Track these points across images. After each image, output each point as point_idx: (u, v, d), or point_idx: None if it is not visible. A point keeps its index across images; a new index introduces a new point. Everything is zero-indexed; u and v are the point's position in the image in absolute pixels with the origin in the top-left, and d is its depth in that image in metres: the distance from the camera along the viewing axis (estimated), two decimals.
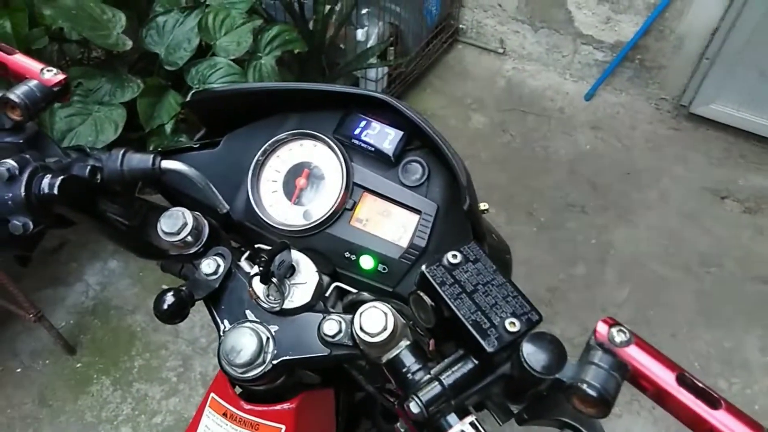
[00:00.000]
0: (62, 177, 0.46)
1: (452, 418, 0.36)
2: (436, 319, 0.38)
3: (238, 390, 0.61)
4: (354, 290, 0.60)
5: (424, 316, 0.38)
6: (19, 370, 1.80)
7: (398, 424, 0.37)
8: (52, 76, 0.48)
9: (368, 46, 2.21)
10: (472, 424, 0.36)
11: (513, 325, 0.35)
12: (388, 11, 2.33)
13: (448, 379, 0.37)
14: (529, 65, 2.87)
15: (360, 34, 2.22)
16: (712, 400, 0.36)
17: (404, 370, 0.40)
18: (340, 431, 0.77)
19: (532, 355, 0.33)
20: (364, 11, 2.22)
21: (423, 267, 0.36)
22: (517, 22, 2.78)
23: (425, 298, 0.37)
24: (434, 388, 0.36)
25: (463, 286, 0.37)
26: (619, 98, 2.71)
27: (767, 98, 2.34)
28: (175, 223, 0.55)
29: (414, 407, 0.35)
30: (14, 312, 1.64)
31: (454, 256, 0.37)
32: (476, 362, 0.37)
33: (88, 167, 0.51)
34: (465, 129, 2.57)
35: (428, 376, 0.37)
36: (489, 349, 0.34)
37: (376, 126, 0.62)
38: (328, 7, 2.05)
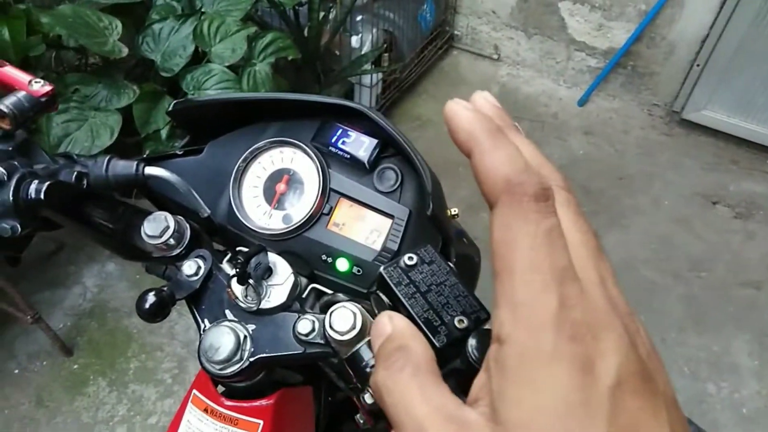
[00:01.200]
0: (48, 183, 0.49)
1: None
2: None
3: (221, 388, 0.63)
4: (330, 291, 0.63)
5: None
6: (16, 371, 1.83)
7: (357, 416, 0.40)
8: (40, 87, 0.51)
9: (363, 52, 2.24)
10: None
11: (461, 322, 0.37)
12: (383, 18, 2.36)
13: None
14: (524, 71, 2.91)
15: (354, 40, 2.25)
16: None
17: (362, 364, 0.43)
18: (321, 429, 0.80)
19: (477, 349, 0.36)
20: (358, 18, 2.25)
21: (381, 268, 0.39)
22: (511, 28, 2.82)
23: (383, 297, 0.40)
24: None
25: (418, 287, 0.39)
26: (612, 104, 2.74)
27: (757, 104, 2.37)
28: (158, 226, 0.57)
29: (369, 398, 0.38)
30: (12, 314, 1.67)
31: (410, 258, 0.40)
32: None
33: (75, 173, 0.53)
34: None
35: None
36: (438, 345, 0.37)
37: (352, 134, 0.65)
38: (322, 14, 2.08)
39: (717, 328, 1.95)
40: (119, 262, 2.07)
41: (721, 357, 1.88)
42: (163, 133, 1.67)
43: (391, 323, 0.29)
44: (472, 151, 0.26)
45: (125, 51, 1.59)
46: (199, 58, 1.76)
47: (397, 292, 0.39)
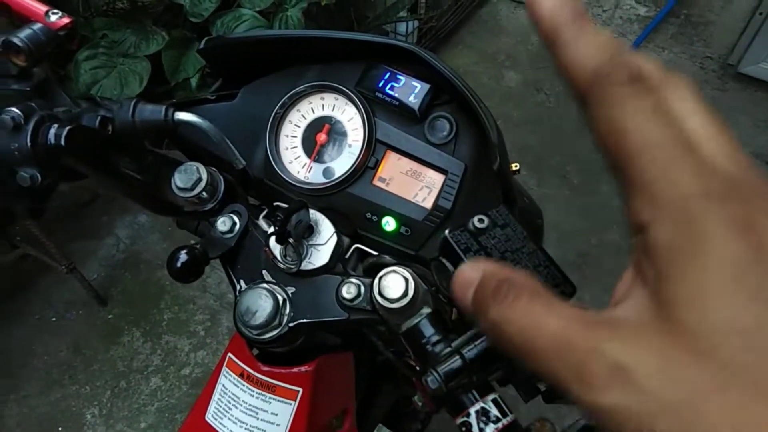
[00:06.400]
0: (69, 127, 0.44)
1: (473, 394, 0.34)
2: None
3: (256, 351, 0.60)
4: (375, 252, 0.58)
5: (447, 284, 0.35)
6: (54, 319, 1.85)
7: (416, 397, 0.35)
8: (58, 18, 0.45)
9: None
10: (494, 401, 0.34)
11: None
12: None
13: (470, 353, 0.34)
14: None
15: None
16: None
17: (423, 341, 0.37)
18: (360, 395, 0.76)
19: None
20: None
21: (446, 232, 0.33)
22: None
23: (448, 265, 0.34)
24: (455, 362, 0.33)
25: (490, 254, 0.33)
26: (661, 56, 2.58)
27: None
28: (189, 178, 0.53)
29: (432, 382, 0.33)
30: (48, 263, 1.68)
31: (481, 220, 0.34)
32: None
33: (98, 117, 0.48)
34: (497, 87, 2.48)
35: (449, 349, 0.35)
36: None
37: (402, 78, 0.58)
38: None
39: None
40: (151, 214, 2.06)
41: None
42: (193, 81, 1.61)
43: (477, 269, 0.25)
44: (554, 43, 0.24)
45: None
46: (229, 2, 1.68)
47: (465, 259, 0.34)
